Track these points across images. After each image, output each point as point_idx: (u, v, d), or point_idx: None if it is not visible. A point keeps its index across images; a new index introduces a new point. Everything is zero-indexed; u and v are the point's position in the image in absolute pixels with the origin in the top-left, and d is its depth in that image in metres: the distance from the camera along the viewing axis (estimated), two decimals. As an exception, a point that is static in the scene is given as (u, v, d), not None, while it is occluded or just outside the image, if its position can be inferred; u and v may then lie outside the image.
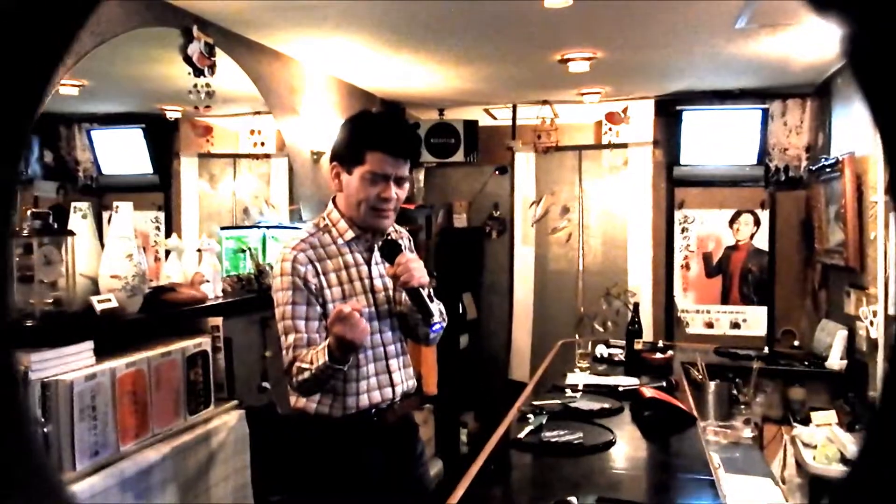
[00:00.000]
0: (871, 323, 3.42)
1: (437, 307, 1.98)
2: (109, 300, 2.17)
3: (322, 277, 1.89)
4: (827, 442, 3.21)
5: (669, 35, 3.45)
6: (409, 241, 2.15)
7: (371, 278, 1.97)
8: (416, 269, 1.87)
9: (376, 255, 1.99)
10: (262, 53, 3.58)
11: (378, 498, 1.94)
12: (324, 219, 1.99)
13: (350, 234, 1.95)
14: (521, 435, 2.18)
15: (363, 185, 1.88)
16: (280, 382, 3.17)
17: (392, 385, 1.98)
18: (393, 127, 1.99)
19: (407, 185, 1.97)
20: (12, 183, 0.57)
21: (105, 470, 1.96)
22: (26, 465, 0.55)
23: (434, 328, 1.92)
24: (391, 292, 2.00)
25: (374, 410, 1.95)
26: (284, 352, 1.89)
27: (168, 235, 3.70)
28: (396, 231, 2.11)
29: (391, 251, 1.91)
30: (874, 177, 3.45)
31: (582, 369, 3.15)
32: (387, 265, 1.94)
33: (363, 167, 1.88)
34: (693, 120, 4.89)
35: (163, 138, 3.81)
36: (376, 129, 1.94)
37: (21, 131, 0.57)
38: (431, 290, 1.99)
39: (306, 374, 1.80)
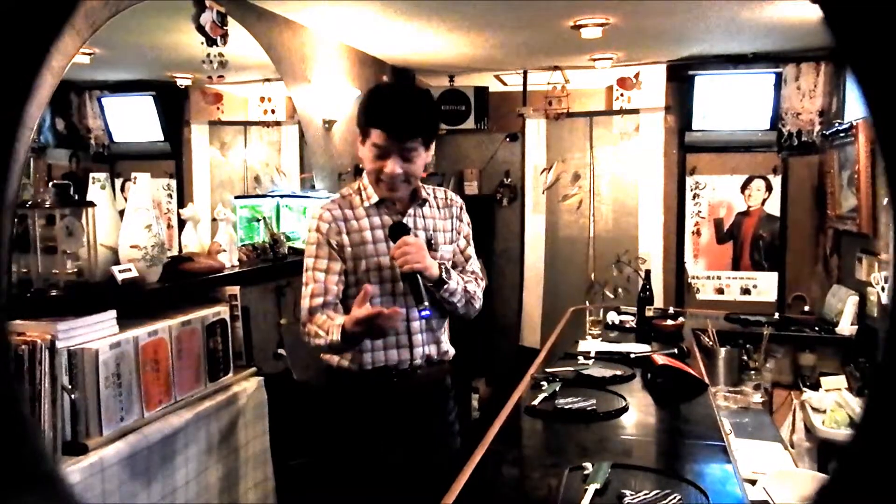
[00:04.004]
0: (883, 289, 3.43)
1: (475, 265, 2.18)
2: (130, 270, 2.20)
3: (345, 235, 1.99)
4: (836, 406, 3.25)
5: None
6: (461, 207, 2.20)
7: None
8: (412, 255, 1.90)
9: (411, 219, 2.05)
10: (274, 21, 3.57)
11: (390, 457, 2.01)
12: (357, 182, 2.10)
13: (375, 198, 2.03)
14: (536, 402, 2.21)
15: (370, 158, 1.97)
16: (295, 349, 3.22)
17: (411, 346, 2.04)
18: (396, 104, 1.97)
19: (422, 157, 1.98)
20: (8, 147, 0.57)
21: (131, 435, 2.01)
22: (17, 448, 0.54)
23: (421, 313, 1.90)
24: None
25: (393, 371, 2.02)
26: (303, 300, 2.00)
27: (181, 203, 3.72)
28: (448, 199, 2.16)
29: (397, 233, 1.96)
30: (889, 143, 3.42)
31: (593, 336, 3.18)
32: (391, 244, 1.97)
33: (369, 141, 1.95)
34: (705, 85, 4.85)
35: (173, 106, 3.81)
36: (380, 105, 1.96)
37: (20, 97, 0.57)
38: (447, 265, 2.04)
39: (320, 341, 1.92)
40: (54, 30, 0.57)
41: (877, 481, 0.45)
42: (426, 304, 1.89)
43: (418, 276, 1.91)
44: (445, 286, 2.00)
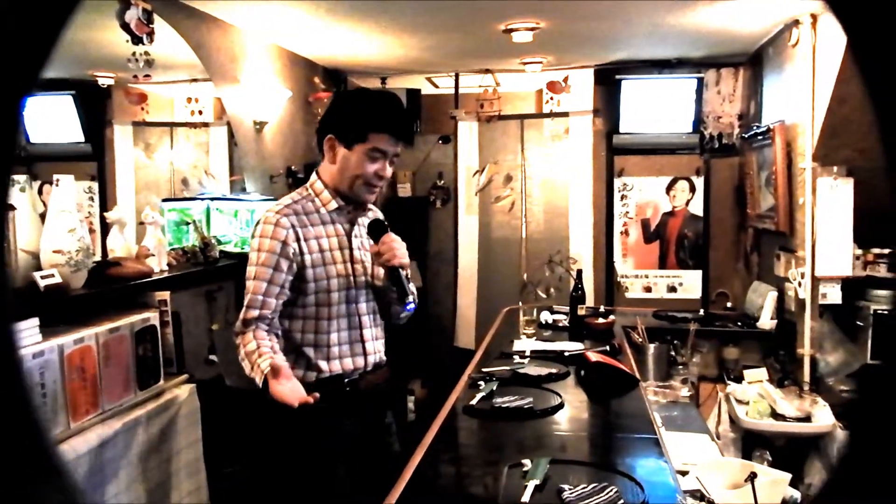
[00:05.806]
0: (800, 284, 3.59)
1: (412, 287, 2.08)
2: (53, 276, 2.12)
3: (303, 243, 1.95)
4: (758, 398, 3.38)
5: (611, 5, 3.50)
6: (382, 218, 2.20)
7: (351, 249, 2.04)
8: (398, 250, 1.98)
9: (357, 228, 2.06)
10: (202, 20, 3.49)
11: (342, 465, 1.99)
12: (307, 188, 2.05)
13: (333, 205, 2.02)
14: (474, 401, 2.22)
15: (362, 162, 1.95)
16: (228, 355, 3.15)
17: (364, 354, 2.06)
18: (397, 109, 2.03)
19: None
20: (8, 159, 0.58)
21: (57, 447, 1.93)
22: (27, 436, 0.57)
23: (408, 307, 2.02)
24: (368, 264, 2.07)
25: (346, 379, 2.01)
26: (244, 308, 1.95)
27: (103, 206, 3.59)
28: (373, 209, 2.17)
29: (377, 230, 2.00)
30: (803, 144, 3.60)
31: (528, 335, 3.21)
32: (370, 243, 2.02)
33: (365, 145, 1.94)
34: (632, 89, 4.98)
35: (94, 106, 3.68)
36: (382, 110, 1.98)
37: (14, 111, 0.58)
38: (409, 272, 2.07)
39: (244, 367, 1.89)
40: (55, 29, 0.57)
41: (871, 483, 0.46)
42: (411, 298, 1.99)
43: (400, 270, 1.97)
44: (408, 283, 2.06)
